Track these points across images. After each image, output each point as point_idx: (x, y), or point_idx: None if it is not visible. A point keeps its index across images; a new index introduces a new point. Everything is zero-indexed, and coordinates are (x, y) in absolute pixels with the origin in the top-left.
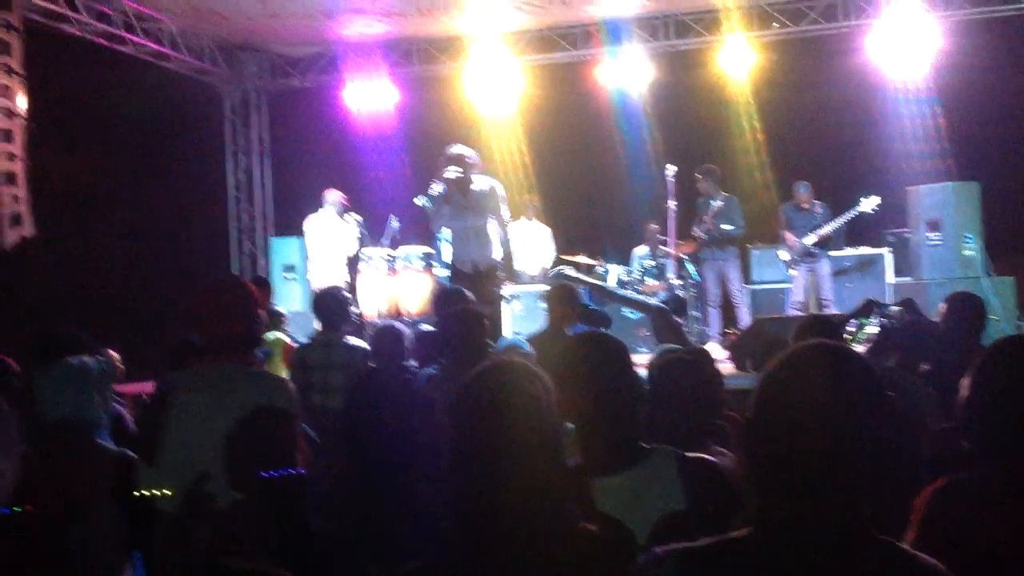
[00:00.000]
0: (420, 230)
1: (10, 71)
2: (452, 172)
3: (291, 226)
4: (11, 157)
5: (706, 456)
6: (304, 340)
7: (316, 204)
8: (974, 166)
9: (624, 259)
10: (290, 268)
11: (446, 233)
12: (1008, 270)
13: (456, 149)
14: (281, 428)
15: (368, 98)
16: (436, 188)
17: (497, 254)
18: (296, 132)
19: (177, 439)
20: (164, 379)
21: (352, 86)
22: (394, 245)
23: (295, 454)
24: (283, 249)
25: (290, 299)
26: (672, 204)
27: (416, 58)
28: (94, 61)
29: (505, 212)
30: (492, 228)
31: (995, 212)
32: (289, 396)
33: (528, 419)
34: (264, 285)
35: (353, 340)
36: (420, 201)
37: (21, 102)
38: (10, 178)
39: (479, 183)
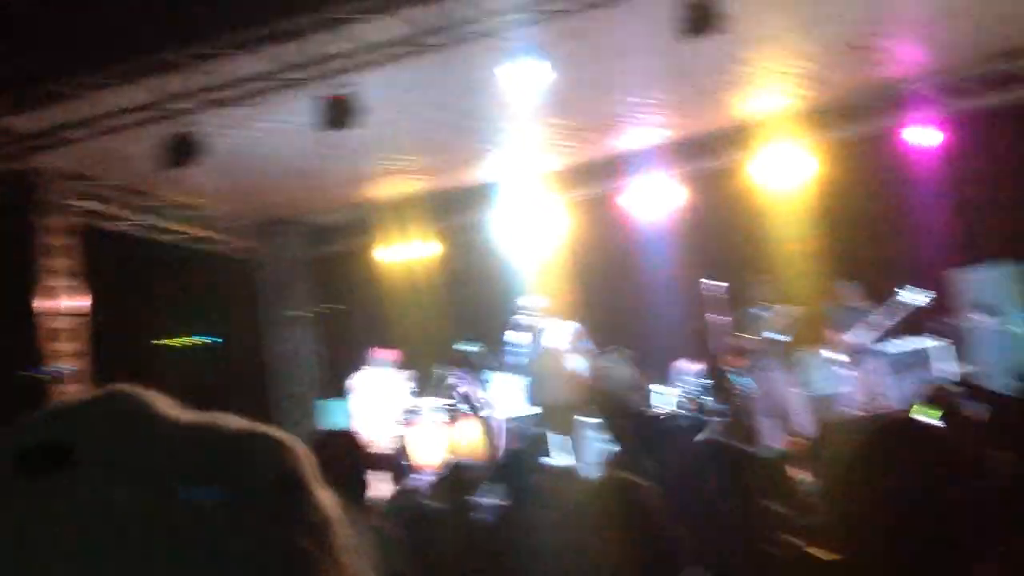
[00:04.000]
0: (473, 377)
1: (73, 274)
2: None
3: (340, 391)
4: (79, 355)
5: None
6: None
7: (364, 363)
8: (1010, 245)
9: (671, 379)
10: None
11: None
12: None
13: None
14: None
15: (405, 254)
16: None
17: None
18: (338, 294)
19: None
20: None
21: (387, 245)
22: (448, 394)
23: None
24: (331, 412)
25: None
26: (718, 317)
27: (451, 209)
28: (139, 254)
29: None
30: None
31: None
32: None
33: None
34: None
35: None
36: (469, 348)
37: (84, 302)
38: (79, 376)
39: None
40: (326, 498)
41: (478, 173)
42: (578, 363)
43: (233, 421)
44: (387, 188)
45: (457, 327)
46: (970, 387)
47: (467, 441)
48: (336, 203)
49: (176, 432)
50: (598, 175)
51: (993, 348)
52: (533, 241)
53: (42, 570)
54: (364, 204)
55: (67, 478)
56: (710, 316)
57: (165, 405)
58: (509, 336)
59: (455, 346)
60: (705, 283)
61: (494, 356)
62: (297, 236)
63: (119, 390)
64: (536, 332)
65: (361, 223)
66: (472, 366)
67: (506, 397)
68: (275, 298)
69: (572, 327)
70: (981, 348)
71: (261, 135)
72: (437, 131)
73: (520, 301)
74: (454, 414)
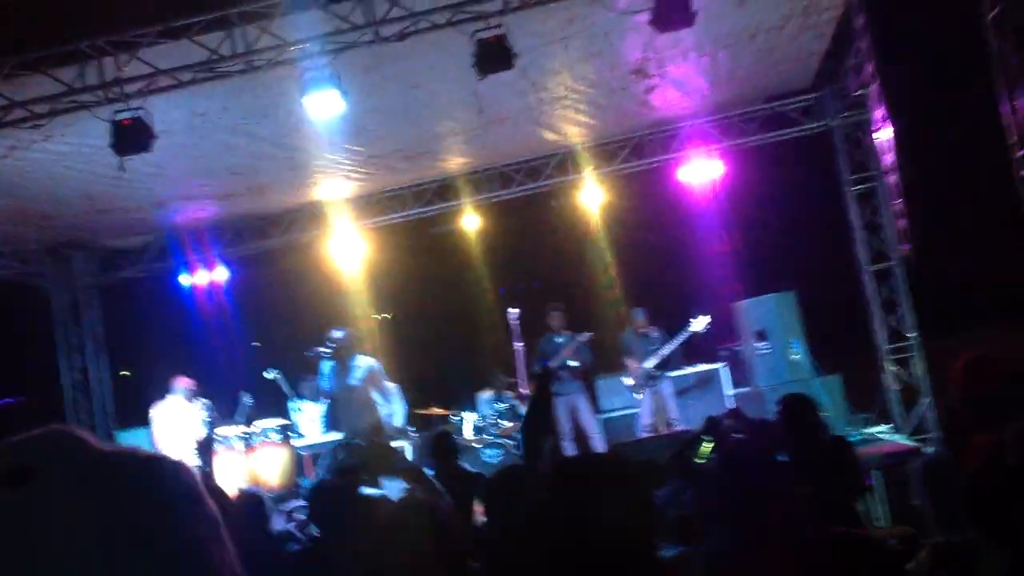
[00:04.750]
0: (272, 403)
1: None
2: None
3: (136, 418)
4: None
5: None
6: None
7: (163, 391)
8: (789, 277)
9: (471, 406)
10: None
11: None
12: (833, 369)
13: (336, 332)
14: None
15: (204, 278)
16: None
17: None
18: (132, 322)
19: None
20: None
21: (185, 271)
22: (248, 421)
23: None
24: (129, 441)
25: None
26: (518, 345)
27: (248, 235)
28: None
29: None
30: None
31: (813, 317)
32: None
33: None
34: None
35: None
36: (270, 375)
37: None
38: None
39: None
40: (212, 504)
41: (281, 198)
42: (376, 398)
43: (142, 450)
44: (182, 214)
45: (261, 354)
46: (736, 416)
47: (269, 469)
48: (132, 227)
49: (104, 458)
50: (402, 201)
51: (771, 373)
52: (336, 267)
53: (19, 559)
54: (158, 229)
55: (31, 492)
56: (516, 343)
57: (92, 439)
58: (318, 366)
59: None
60: (510, 311)
61: (298, 384)
62: (89, 261)
63: (58, 428)
64: (340, 363)
65: (154, 249)
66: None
67: (310, 425)
68: (67, 323)
69: (372, 363)
70: (760, 373)
71: (52, 157)
72: (235, 156)
73: (329, 331)
74: (255, 441)
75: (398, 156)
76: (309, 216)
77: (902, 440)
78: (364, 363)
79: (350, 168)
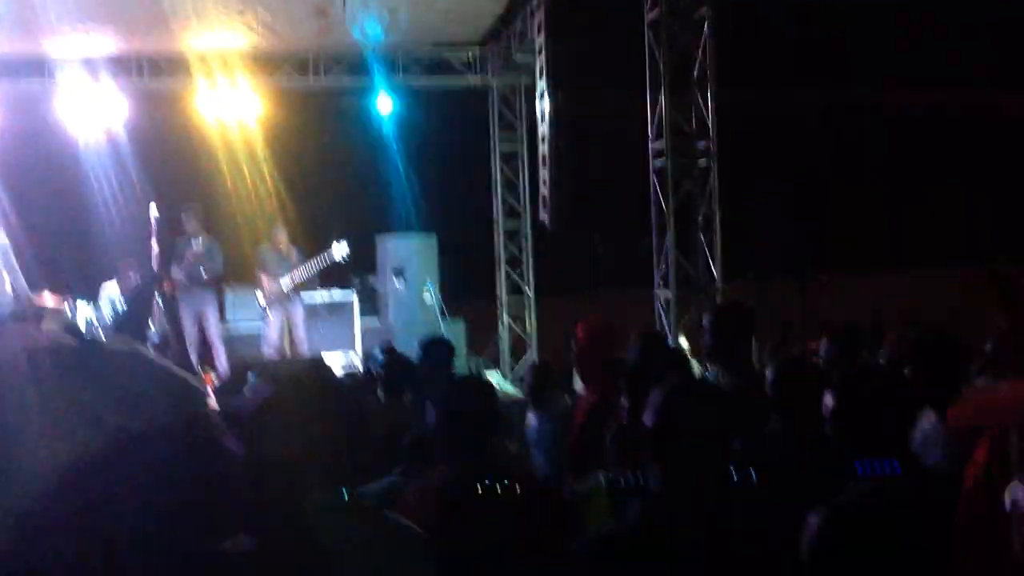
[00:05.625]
0: None
1: None
2: None
3: None
4: None
5: None
6: None
7: None
8: (433, 220)
9: (93, 297)
10: None
11: None
12: (459, 314)
13: None
14: None
15: None
16: None
17: None
18: None
19: None
20: None
21: None
22: None
23: None
24: None
25: None
26: (155, 244)
27: None
28: None
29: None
30: None
31: (449, 262)
32: None
33: None
34: None
35: None
36: None
37: None
38: None
39: None
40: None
41: None
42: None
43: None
44: None
45: None
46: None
47: None
48: None
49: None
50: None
51: (403, 310)
52: None
53: None
54: None
55: None
56: (153, 241)
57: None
58: None
59: None
60: (152, 207)
61: None
62: None
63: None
64: None
65: None
66: None
67: None
68: None
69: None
70: (393, 308)
71: None
72: None
73: None
74: None
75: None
76: None
77: (508, 388)
78: None
79: None
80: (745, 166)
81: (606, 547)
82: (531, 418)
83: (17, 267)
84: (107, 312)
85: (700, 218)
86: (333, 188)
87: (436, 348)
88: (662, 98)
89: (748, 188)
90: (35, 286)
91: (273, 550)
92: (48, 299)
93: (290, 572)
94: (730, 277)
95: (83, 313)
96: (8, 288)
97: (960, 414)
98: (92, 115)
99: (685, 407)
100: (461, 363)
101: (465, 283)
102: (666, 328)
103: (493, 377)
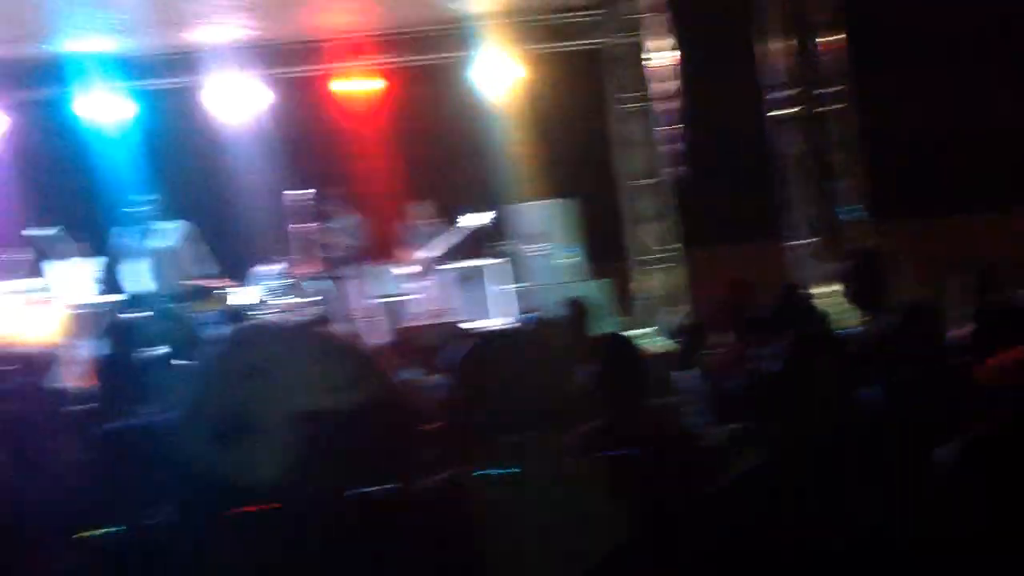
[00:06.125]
0: (40, 261)
1: None
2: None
3: None
4: None
5: None
6: None
7: None
8: (569, 185)
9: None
10: None
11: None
12: (602, 274)
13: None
14: None
15: None
16: None
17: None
18: None
19: None
20: None
21: None
22: (23, 277)
23: None
24: None
25: None
26: (300, 226)
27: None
28: None
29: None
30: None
31: (589, 224)
32: None
33: None
34: None
35: None
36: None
37: None
38: None
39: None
40: None
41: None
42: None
43: None
44: None
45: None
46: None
47: (38, 327)
48: None
49: None
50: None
51: (545, 274)
52: (116, 127)
53: None
54: None
55: None
56: (298, 224)
57: None
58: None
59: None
60: (290, 192)
61: (72, 242)
62: None
63: None
64: (151, 224)
65: None
66: (44, 251)
67: (83, 284)
68: None
69: (185, 225)
70: (535, 273)
71: None
72: None
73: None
74: (26, 298)
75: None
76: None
77: (660, 342)
78: (176, 225)
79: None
80: (871, 109)
81: (739, 491)
82: (678, 374)
83: (201, 252)
84: (264, 294)
85: (831, 164)
86: (470, 160)
87: (575, 309)
88: (785, 46)
89: (877, 131)
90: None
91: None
92: (215, 282)
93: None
94: (865, 222)
95: (242, 295)
96: (193, 271)
97: None
98: (237, 104)
99: (804, 357)
100: (605, 323)
101: (605, 244)
102: (803, 277)
103: (638, 334)
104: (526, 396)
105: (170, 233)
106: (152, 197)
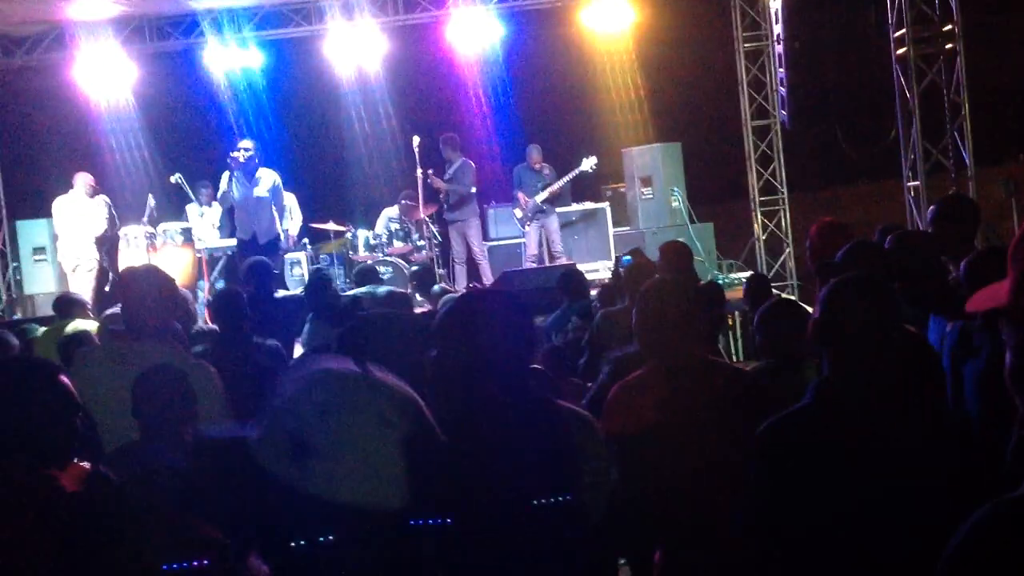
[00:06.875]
0: (175, 207)
1: None
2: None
3: (33, 208)
4: None
5: None
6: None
7: (64, 185)
8: (677, 129)
9: (373, 223)
10: (40, 250)
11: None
12: (707, 217)
13: (243, 142)
14: None
15: (102, 76)
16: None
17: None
18: (28, 113)
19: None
20: None
21: (83, 64)
22: (152, 223)
23: None
24: (30, 231)
25: (42, 281)
26: (420, 172)
27: (149, 35)
28: None
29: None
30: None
31: (695, 167)
32: None
33: None
34: None
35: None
36: (175, 179)
37: None
38: None
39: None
40: None
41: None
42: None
43: None
44: (80, 9)
45: (165, 158)
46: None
47: (171, 269)
48: (25, 17)
49: None
50: (305, 16)
51: (651, 217)
52: (235, 77)
53: None
54: (55, 22)
55: None
56: (418, 169)
57: None
58: (225, 174)
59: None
60: (415, 138)
61: (201, 190)
62: None
63: None
64: (245, 173)
65: (50, 38)
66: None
67: (207, 230)
68: None
69: (275, 175)
70: (642, 216)
71: None
72: None
73: (240, 142)
74: (158, 242)
75: None
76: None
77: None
78: (268, 175)
79: None
80: (990, 50)
81: (786, 427)
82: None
83: (286, 207)
84: (384, 236)
85: (947, 105)
86: (579, 105)
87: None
88: None
89: (994, 73)
90: (322, 216)
91: None
92: (333, 226)
93: None
94: (981, 163)
95: (362, 236)
96: (279, 226)
97: None
98: (352, 54)
99: (847, 298)
100: (710, 266)
101: (713, 186)
102: (917, 220)
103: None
104: None
105: (270, 180)
106: (256, 144)
